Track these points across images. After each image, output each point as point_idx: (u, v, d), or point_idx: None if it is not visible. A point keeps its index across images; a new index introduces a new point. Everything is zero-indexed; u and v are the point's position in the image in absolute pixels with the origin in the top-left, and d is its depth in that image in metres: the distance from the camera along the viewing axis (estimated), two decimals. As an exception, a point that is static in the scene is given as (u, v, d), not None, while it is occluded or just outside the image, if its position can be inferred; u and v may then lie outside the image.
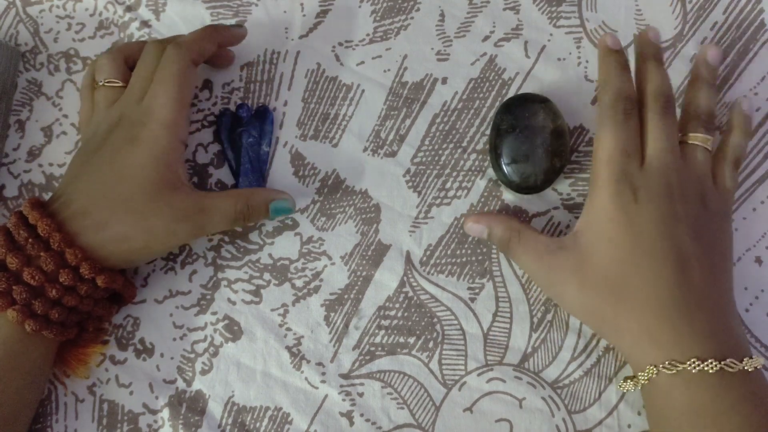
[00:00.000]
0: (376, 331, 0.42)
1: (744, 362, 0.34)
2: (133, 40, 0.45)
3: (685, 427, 0.34)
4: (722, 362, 0.34)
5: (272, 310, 0.42)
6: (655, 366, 0.35)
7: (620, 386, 0.38)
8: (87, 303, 0.38)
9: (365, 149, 0.44)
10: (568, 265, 0.37)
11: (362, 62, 0.44)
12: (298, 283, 0.42)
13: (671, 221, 0.36)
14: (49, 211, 0.37)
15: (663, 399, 0.35)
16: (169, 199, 0.38)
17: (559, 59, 0.44)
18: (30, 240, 0.36)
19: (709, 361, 0.34)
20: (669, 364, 0.34)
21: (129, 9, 0.45)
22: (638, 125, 0.38)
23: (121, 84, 0.41)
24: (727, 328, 0.36)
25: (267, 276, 0.43)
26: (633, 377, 0.37)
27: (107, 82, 0.41)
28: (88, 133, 0.41)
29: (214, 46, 0.41)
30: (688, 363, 0.34)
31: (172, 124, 0.38)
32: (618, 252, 0.36)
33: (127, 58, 0.42)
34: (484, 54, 0.44)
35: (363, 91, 0.44)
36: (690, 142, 0.39)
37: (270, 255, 0.43)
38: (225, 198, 0.39)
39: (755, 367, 0.34)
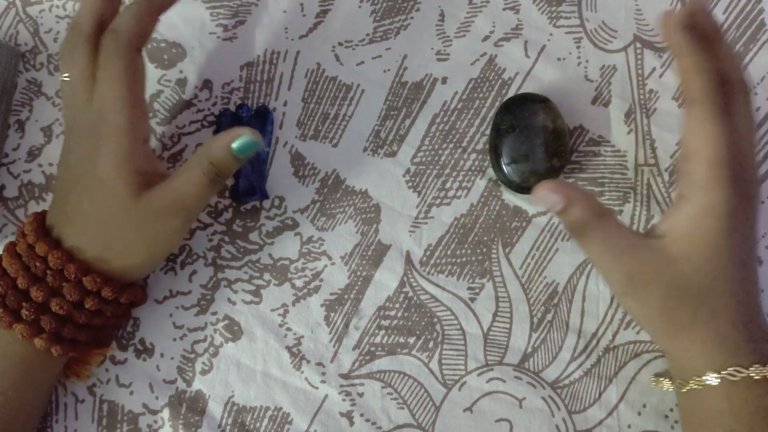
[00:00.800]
0: (376, 331, 0.42)
1: None
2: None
3: None
4: None
5: (272, 310, 0.42)
6: (718, 372, 0.33)
7: (656, 383, 0.37)
8: (111, 319, 0.38)
9: (365, 149, 0.44)
10: (652, 269, 0.34)
11: (362, 62, 0.44)
12: (298, 283, 0.42)
13: (750, 226, 0.35)
14: (54, 238, 0.36)
15: (720, 405, 0.34)
16: (147, 201, 0.36)
17: (559, 59, 0.44)
18: (48, 272, 0.36)
19: None
20: (734, 370, 0.33)
21: (129, 9, 0.45)
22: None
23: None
24: None
25: (267, 276, 0.43)
26: (669, 378, 0.36)
27: (65, 77, 0.37)
28: (65, 137, 0.39)
29: (155, 21, 0.37)
30: (751, 369, 0.33)
31: (129, 128, 0.36)
32: (716, 259, 0.33)
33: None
34: (484, 54, 0.44)
35: (363, 91, 0.44)
36: None
37: (270, 255, 0.43)
38: (188, 167, 0.36)
39: None
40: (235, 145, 0.35)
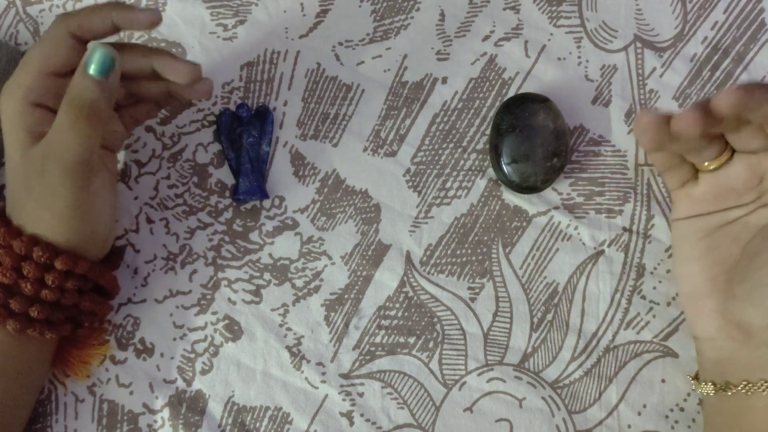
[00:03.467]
0: (376, 330, 0.42)
1: None
2: (133, 40, 0.45)
3: None
4: None
5: (272, 309, 0.42)
6: None
7: (698, 389, 0.37)
8: (69, 297, 0.37)
9: (365, 149, 0.44)
10: None
11: (362, 62, 0.44)
12: (299, 282, 0.42)
13: None
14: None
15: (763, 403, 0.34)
16: (27, 157, 0.35)
17: (559, 59, 0.44)
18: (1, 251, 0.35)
19: None
20: None
21: (129, 9, 0.45)
22: None
23: None
24: None
25: (267, 276, 0.43)
26: (713, 383, 0.36)
27: None
28: None
29: (105, 24, 0.34)
30: None
31: (23, 92, 0.34)
32: None
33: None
34: (484, 53, 0.44)
35: (363, 90, 0.44)
36: None
37: (270, 255, 0.43)
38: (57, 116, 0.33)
39: None
40: (92, 70, 0.32)
